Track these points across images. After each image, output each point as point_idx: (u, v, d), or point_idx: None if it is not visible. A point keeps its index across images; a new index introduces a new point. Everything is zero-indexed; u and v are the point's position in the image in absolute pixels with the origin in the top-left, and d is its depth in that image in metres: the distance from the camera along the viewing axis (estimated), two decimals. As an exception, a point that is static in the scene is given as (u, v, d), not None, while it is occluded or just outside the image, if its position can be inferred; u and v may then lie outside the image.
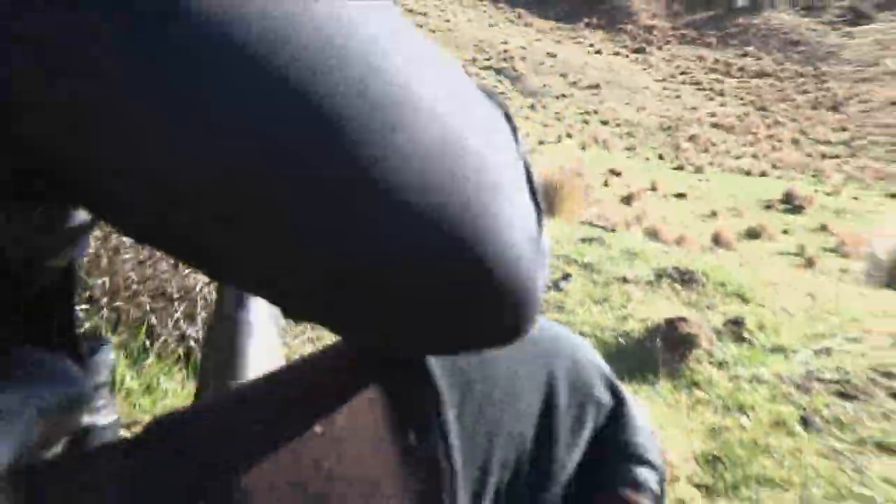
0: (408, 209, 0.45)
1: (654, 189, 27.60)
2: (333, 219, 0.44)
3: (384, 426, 0.64)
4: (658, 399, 2.97)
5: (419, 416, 0.65)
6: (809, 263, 18.88)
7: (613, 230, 6.93)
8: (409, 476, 0.63)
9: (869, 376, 3.18)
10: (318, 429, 0.64)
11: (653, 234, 18.29)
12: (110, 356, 0.78)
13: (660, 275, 4.15)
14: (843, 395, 3.04)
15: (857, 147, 47.42)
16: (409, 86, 0.46)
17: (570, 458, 0.71)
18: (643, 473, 0.74)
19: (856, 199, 31.47)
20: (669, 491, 2.39)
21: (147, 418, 2.07)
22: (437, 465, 0.63)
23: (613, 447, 0.74)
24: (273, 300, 0.55)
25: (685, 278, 4.14)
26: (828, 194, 31.11)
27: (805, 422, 2.85)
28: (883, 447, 2.74)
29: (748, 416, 2.88)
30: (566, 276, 4.10)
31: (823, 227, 23.76)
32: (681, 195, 27.54)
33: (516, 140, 0.55)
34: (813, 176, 38.18)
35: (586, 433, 0.73)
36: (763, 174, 37.02)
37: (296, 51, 0.42)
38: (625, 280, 4.09)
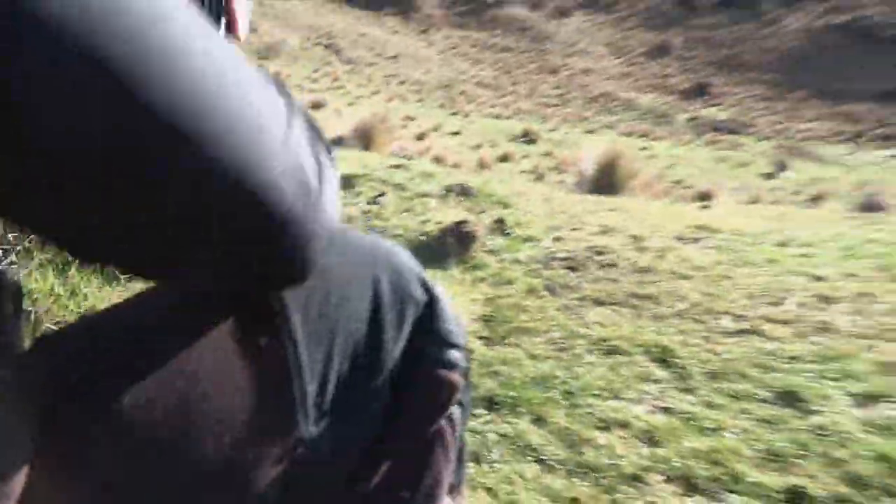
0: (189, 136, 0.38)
1: (437, 129, 27.57)
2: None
3: (239, 331, 0.57)
4: (451, 279, 2.92)
5: (267, 320, 0.57)
6: (540, 178, 19.43)
7: (411, 158, 6.79)
8: (263, 372, 0.56)
9: (586, 255, 3.22)
10: (181, 339, 0.55)
11: (439, 161, 18.36)
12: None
13: (448, 190, 4.08)
14: (571, 269, 3.08)
15: (566, 100, 48.68)
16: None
17: (395, 346, 0.65)
18: (453, 354, 0.69)
19: (567, 134, 32.49)
20: (461, 342, 2.37)
21: (73, 318, 1.85)
22: (285, 361, 0.57)
23: (428, 335, 0.67)
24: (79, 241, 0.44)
25: (465, 192, 4.09)
26: (550, 131, 31.95)
27: (548, 288, 2.86)
28: (596, 301, 2.79)
29: (512, 287, 2.86)
30: (382, 194, 3.97)
31: (548, 153, 24.39)
32: (456, 133, 27.65)
33: (291, 110, 0.47)
34: (541, 119, 39.07)
35: (407, 325, 0.66)
36: (509, 118, 37.53)
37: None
38: (424, 195, 3.99)
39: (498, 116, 37.56)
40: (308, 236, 0.47)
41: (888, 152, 34.43)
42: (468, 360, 0.72)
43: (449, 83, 48.78)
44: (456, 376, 0.67)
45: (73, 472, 0.50)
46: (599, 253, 3.24)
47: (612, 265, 3.11)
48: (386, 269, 0.66)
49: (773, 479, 1.72)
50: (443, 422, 0.67)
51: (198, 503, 0.53)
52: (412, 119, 29.13)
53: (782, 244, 3.74)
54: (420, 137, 23.75)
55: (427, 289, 0.68)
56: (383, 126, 9.41)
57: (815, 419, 1.99)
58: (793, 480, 1.72)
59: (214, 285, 0.53)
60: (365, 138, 8.84)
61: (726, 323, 2.62)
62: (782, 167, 27.27)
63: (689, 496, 1.66)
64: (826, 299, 2.89)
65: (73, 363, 0.55)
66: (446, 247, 3.14)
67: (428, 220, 3.54)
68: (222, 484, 0.53)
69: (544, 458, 1.75)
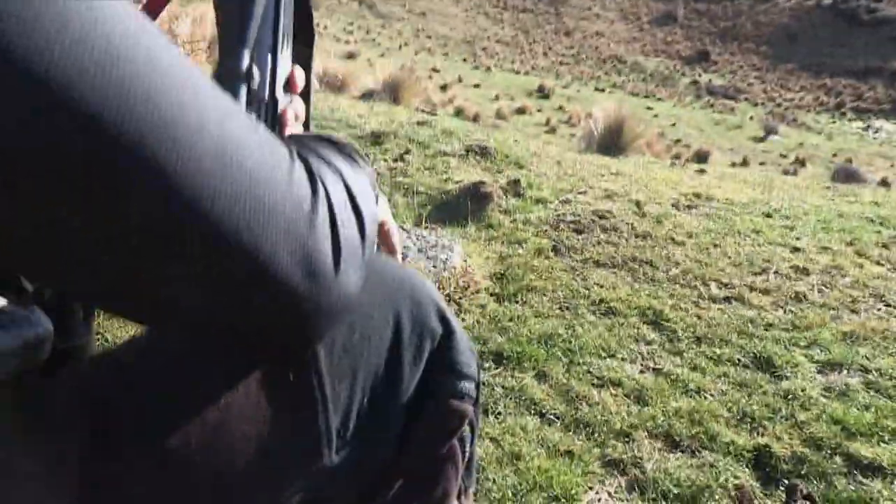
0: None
1: (460, 81, 27.15)
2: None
3: (269, 365, 0.55)
4: (468, 237, 2.89)
5: (289, 366, 0.56)
6: (553, 130, 19.24)
7: (435, 114, 6.66)
8: (291, 405, 0.56)
9: (591, 218, 3.19)
10: (216, 370, 0.55)
11: (459, 112, 18.08)
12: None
13: (468, 150, 4.02)
14: (577, 231, 3.04)
15: (579, 59, 47.51)
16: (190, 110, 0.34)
17: (412, 379, 0.64)
18: (465, 385, 0.68)
19: (578, 91, 31.90)
20: (475, 298, 2.35)
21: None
22: (311, 394, 0.56)
23: (443, 367, 0.67)
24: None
25: (483, 152, 4.03)
26: (563, 87, 31.40)
27: (555, 249, 2.84)
28: (598, 263, 2.77)
29: (522, 247, 2.84)
30: (407, 152, 3.92)
31: (561, 108, 24.09)
32: (477, 85, 27.23)
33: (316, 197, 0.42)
34: (555, 76, 38.25)
35: (424, 357, 0.65)
36: (526, 74, 36.81)
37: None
38: (445, 154, 3.94)
39: (516, 72, 36.83)
40: (313, 315, 0.43)
41: (863, 124, 33.57)
42: (479, 389, 0.71)
43: (472, 39, 47.66)
44: (468, 406, 0.67)
45: (110, 493, 0.50)
46: (603, 217, 3.20)
47: (615, 229, 3.08)
48: (407, 303, 0.64)
49: (744, 439, 1.74)
50: (454, 441, 0.67)
51: None
52: (437, 71, 28.63)
53: (768, 215, 3.69)
54: (444, 88, 23.39)
55: (445, 321, 0.67)
56: (411, 80, 9.21)
57: (784, 384, 2.00)
58: (761, 441, 1.74)
59: (222, 340, 0.51)
60: (394, 91, 8.68)
61: (714, 290, 2.60)
62: (771, 132, 26.71)
63: (672, 452, 1.67)
64: (802, 270, 2.86)
65: (121, 388, 0.54)
66: (464, 206, 3.11)
67: (449, 178, 3.50)
68: None
69: (544, 412, 1.76)
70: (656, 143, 11.43)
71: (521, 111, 22.35)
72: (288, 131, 0.68)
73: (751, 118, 32.12)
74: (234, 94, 0.64)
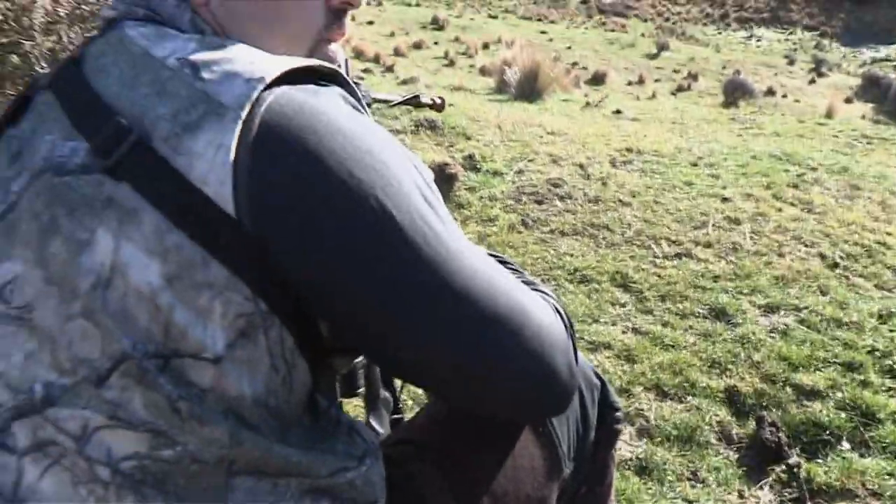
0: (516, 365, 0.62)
1: (353, 19, 26.31)
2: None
3: (528, 433, 0.88)
4: (446, 219, 3.18)
5: (543, 423, 0.89)
6: (451, 63, 19.22)
7: (363, 79, 6.75)
8: (544, 444, 0.89)
9: (546, 188, 3.55)
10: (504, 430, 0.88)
11: (360, 54, 17.72)
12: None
13: (417, 125, 4.24)
14: (538, 202, 3.40)
15: (470, -18, 47.13)
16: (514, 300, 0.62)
17: (594, 413, 0.98)
18: (618, 415, 1.03)
19: (472, 19, 31.77)
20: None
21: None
22: (556, 447, 0.89)
23: (604, 405, 1.00)
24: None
25: (432, 126, 4.26)
26: (456, 17, 31.14)
27: (524, 223, 3.18)
28: (563, 233, 3.14)
29: (495, 225, 3.17)
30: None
31: (457, 39, 23.96)
32: (371, 22, 26.60)
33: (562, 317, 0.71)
34: (447, 5, 37.84)
35: (597, 400, 0.99)
36: (418, 5, 36.21)
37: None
38: (397, 131, 4.15)
39: (408, 4, 36.16)
40: (571, 395, 0.69)
41: (746, 34, 35.59)
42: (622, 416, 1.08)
43: (358, -31, 46.12)
44: (621, 426, 1.04)
45: None
46: (556, 185, 3.57)
47: (570, 197, 3.46)
48: (585, 375, 0.98)
49: (717, 383, 2.20)
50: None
51: None
52: (328, 8, 27.79)
53: (694, 164, 4.19)
54: (335, 27, 22.78)
55: (598, 376, 1.02)
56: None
57: (739, 331, 2.47)
58: (729, 382, 2.20)
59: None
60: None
61: (665, 247, 3.06)
62: (663, 48, 27.76)
63: (663, 401, 2.12)
64: (734, 221, 3.37)
65: (430, 442, 0.87)
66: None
67: (410, 158, 3.75)
68: None
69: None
70: (562, 77, 11.87)
71: (417, 46, 22.09)
72: None
73: (642, 35, 33.15)
74: None
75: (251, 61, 0.57)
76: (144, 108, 0.55)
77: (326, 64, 0.62)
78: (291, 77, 0.57)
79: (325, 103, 0.57)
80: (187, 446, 0.54)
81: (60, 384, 0.54)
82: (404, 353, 0.59)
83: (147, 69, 0.58)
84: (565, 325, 0.69)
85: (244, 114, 0.53)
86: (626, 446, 1.93)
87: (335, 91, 0.60)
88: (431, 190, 0.61)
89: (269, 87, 0.56)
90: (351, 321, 0.58)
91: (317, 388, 0.63)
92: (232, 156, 0.52)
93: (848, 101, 14.34)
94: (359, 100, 0.62)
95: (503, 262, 0.80)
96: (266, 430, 0.57)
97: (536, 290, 0.74)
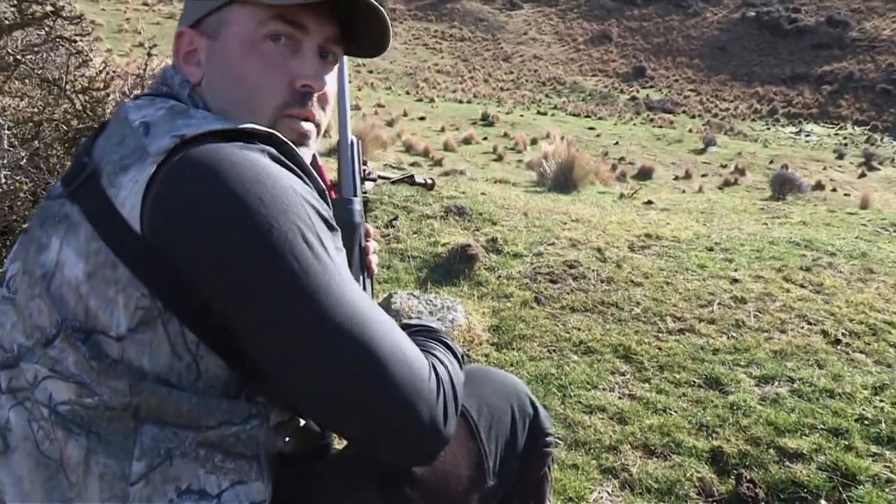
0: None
1: (405, 115, 27.69)
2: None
3: (460, 444, 0.99)
4: (462, 294, 3.45)
5: (469, 429, 1.00)
6: (499, 158, 19.83)
7: (405, 169, 7.18)
8: (470, 457, 0.99)
9: (562, 269, 3.80)
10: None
11: (409, 148, 18.47)
12: None
13: (446, 210, 4.57)
14: (552, 281, 3.64)
15: (519, 83, 49.02)
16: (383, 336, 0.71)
17: (523, 436, 1.08)
18: (549, 439, 1.14)
19: (521, 115, 32.87)
20: (479, 349, 2.93)
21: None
22: (480, 451, 1.00)
23: (535, 430, 1.10)
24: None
25: (461, 212, 4.58)
26: (506, 113, 32.22)
27: (537, 300, 3.41)
28: (574, 309, 3.36)
29: (510, 301, 3.40)
30: (396, 218, 4.43)
31: (506, 134, 24.78)
32: (422, 118, 27.81)
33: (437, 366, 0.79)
34: (497, 102, 39.31)
35: (527, 425, 1.09)
36: (469, 102, 37.78)
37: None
38: (427, 216, 4.49)
39: (459, 101, 37.74)
40: (437, 447, 0.76)
41: (795, 129, 35.94)
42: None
43: (413, 71, 48.69)
44: (552, 449, 1.17)
45: None
46: (572, 266, 3.81)
47: (583, 277, 3.70)
48: (514, 396, 1.08)
49: (702, 443, 2.35)
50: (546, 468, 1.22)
51: None
52: (382, 106, 29.24)
53: (710, 248, 4.39)
54: (390, 123, 23.94)
55: (532, 404, 1.11)
56: (372, 133, 9.75)
57: (731, 398, 2.63)
58: (715, 443, 2.35)
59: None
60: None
61: (670, 323, 3.24)
62: (710, 143, 28.13)
63: (650, 458, 2.28)
64: (740, 300, 3.54)
65: None
66: (455, 267, 3.67)
67: (436, 241, 4.05)
68: None
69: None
70: (603, 170, 12.21)
71: (467, 141, 22.86)
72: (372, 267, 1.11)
73: (690, 130, 33.72)
74: (355, 242, 1.05)
75: (189, 124, 0.72)
76: (105, 154, 0.74)
77: (260, 128, 0.75)
78: (232, 136, 0.72)
79: (238, 153, 0.70)
80: (102, 396, 0.69)
81: (26, 345, 0.74)
82: (270, 367, 0.70)
83: (121, 128, 0.76)
84: (441, 385, 0.77)
85: (160, 158, 0.69)
86: (607, 497, 2.09)
87: (259, 147, 0.73)
88: (319, 235, 0.71)
89: (201, 142, 0.70)
90: (229, 326, 0.70)
91: (254, 392, 0.76)
92: (144, 187, 0.68)
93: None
94: (292, 158, 0.75)
95: (420, 327, 0.94)
96: (164, 385, 0.71)
97: (427, 351, 0.83)
